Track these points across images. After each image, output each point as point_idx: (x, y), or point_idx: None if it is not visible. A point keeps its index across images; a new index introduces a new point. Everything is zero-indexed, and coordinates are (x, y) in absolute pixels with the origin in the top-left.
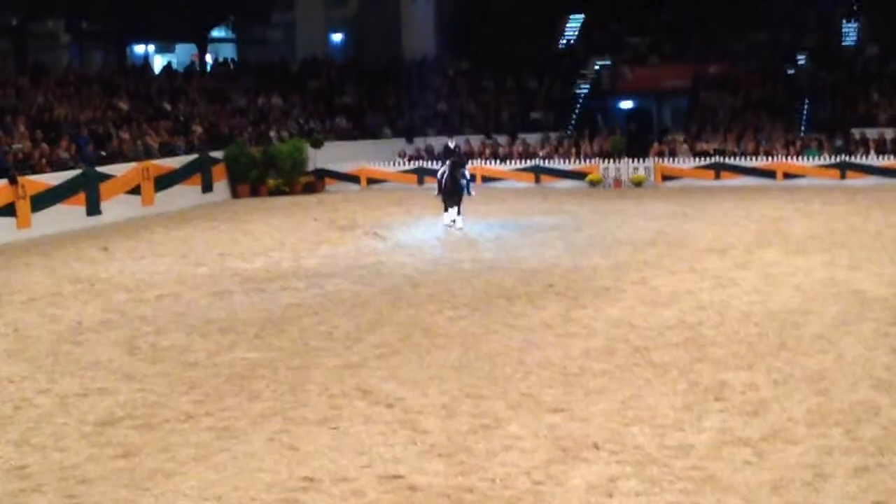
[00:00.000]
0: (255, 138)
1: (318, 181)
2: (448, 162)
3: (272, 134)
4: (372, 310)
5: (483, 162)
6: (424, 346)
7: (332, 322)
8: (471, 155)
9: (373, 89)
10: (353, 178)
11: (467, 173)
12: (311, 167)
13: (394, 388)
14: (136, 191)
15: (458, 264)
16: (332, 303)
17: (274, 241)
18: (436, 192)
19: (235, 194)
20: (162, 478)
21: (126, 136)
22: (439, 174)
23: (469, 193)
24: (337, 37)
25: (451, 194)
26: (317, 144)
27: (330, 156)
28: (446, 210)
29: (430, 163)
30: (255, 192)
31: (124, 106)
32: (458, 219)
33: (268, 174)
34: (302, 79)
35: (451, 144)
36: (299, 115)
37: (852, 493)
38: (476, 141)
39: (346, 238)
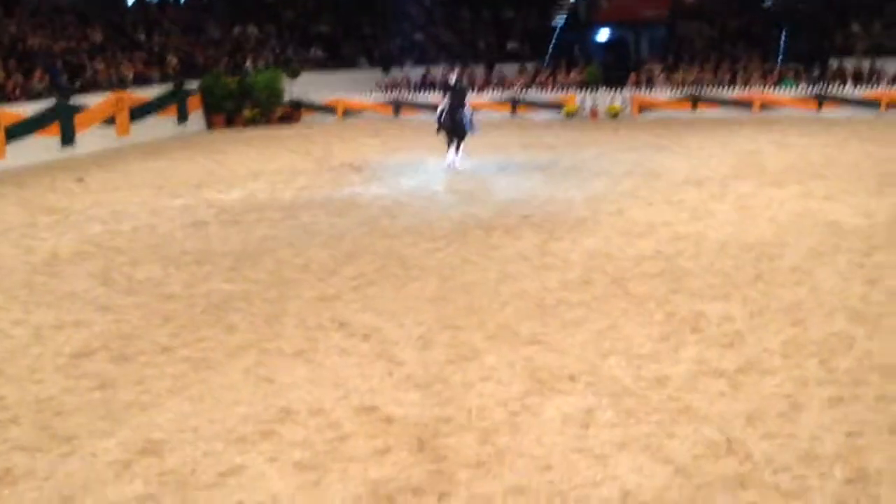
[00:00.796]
0: (231, 69)
1: (294, 112)
2: (447, 97)
3: (248, 64)
4: (348, 241)
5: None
6: (401, 277)
7: (308, 254)
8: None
9: (349, 19)
10: (329, 109)
11: (468, 109)
12: (287, 98)
13: (370, 319)
14: (110, 121)
15: (435, 196)
16: (307, 234)
17: (249, 172)
18: (436, 129)
19: (211, 125)
20: (138, 410)
21: (100, 66)
22: (438, 110)
23: (473, 131)
24: None
25: (451, 132)
26: (293, 74)
27: (306, 86)
28: (448, 148)
29: (407, 93)
30: (230, 123)
31: (98, 36)
32: (457, 158)
33: (243, 105)
34: (277, 8)
35: (452, 79)
36: (275, 45)
37: (826, 423)
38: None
39: (322, 169)
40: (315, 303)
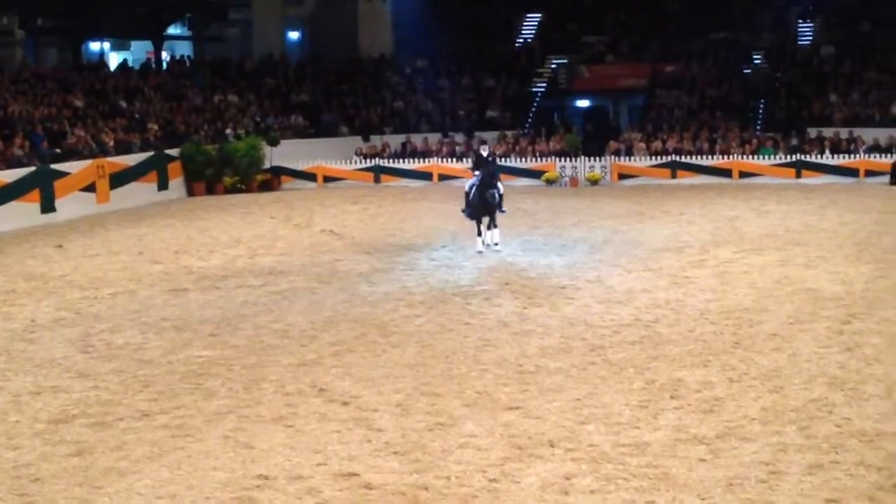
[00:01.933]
0: (212, 136)
1: (274, 179)
2: (479, 173)
3: (228, 132)
4: (327, 308)
5: (440, 160)
6: (380, 344)
7: (288, 320)
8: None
9: (329, 87)
10: (309, 176)
11: (500, 187)
12: (267, 165)
13: (349, 385)
14: (90, 188)
15: (415, 262)
16: (287, 301)
17: (230, 238)
18: (463, 208)
19: (191, 192)
20: (116, 476)
21: (81, 133)
22: (468, 186)
23: (501, 210)
24: (294, 35)
25: (479, 211)
26: (273, 142)
27: (286, 154)
28: (479, 234)
29: (387, 161)
30: (211, 190)
31: (79, 103)
32: (494, 236)
33: (224, 172)
34: (258, 76)
35: (485, 152)
36: (256, 112)
37: (806, 490)
38: (433, 139)
39: (302, 236)
40: (294, 369)
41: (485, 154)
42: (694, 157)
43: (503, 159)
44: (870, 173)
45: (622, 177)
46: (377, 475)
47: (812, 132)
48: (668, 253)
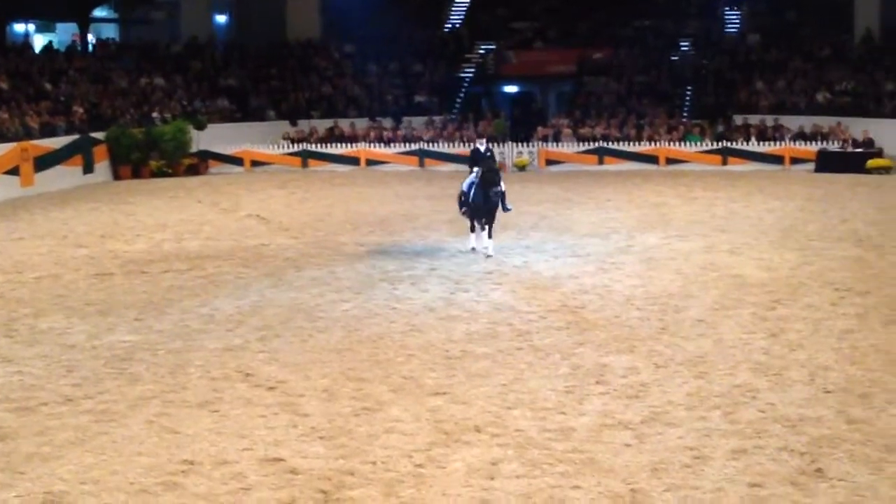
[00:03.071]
0: (138, 119)
1: (201, 163)
2: (478, 170)
3: (155, 115)
4: (254, 292)
5: (368, 145)
6: (306, 329)
7: (214, 305)
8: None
9: (257, 71)
10: (236, 161)
11: (503, 185)
12: (194, 149)
13: (275, 370)
14: (14, 171)
15: (341, 247)
16: (213, 285)
17: (156, 223)
18: (460, 208)
19: (117, 176)
20: (39, 461)
21: (5, 115)
22: (465, 185)
23: (506, 209)
24: (221, 18)
25: (481, 212)
26: (200, 126)
27: (213, 138)
28: (472, 230)
29: (315, 145)
30: (137, 174)
31: (4, 85)
32: (489, 244)
33: (150, 156)
34: (185, 60)
35: (482, 147)
36: (182, 96)
37: (730, 474)
38: (361, 124)
39: (229, 220)
40: (220, 353)
41: (482, 149)
42: (621, 143)
43: (430, 144)
44: (795, 160)
45: (550, 163)
46: (303, 460)
47: (738, 119)
48: (594, 239)
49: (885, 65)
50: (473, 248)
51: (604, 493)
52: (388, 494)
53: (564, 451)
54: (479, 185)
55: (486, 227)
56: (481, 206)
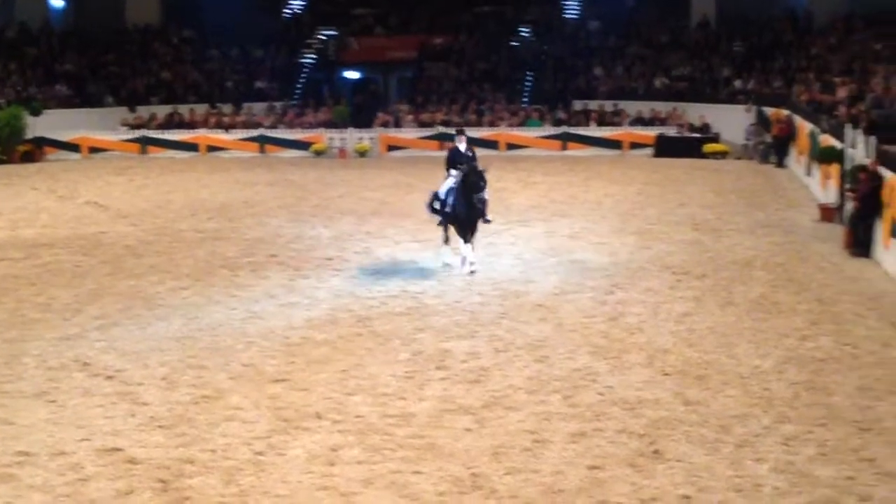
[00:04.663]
0: None
1: (37, 150)
2: (459, 174)
3: None
4: (92, 280)
5: (208, 131)
6: (145, 317)
7: (51, 293)
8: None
9: (95, 57)
10: (73, 147)
11: (486, 192)
12: (29, 135)
13: (113, 359)
14: None
15: (180, 234)
16: (50, 273)
17: None
18: (430, 213)
19: None
20: None
21: None
22: (442, 191)
23: (486, 220)
24: (58, 3)
25: (464, 223)
26: (35, 112)
27: (50, 124)
28: (446, 242)
29: (154, 132)
30: None
31: None
32: (473, 255)
33: None
34: (20, 45)
35: (462, 146)
36: (17, 82)
37: (569, 457)
38: (201, 110)
39: (66, 208)
40: (57, 343)
41: (462, 148)
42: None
43: (271, 131)
44: (634, 145)
45: (391, 148)
46: (142, 449)
47: (578, 105)
48: (435, 224)
49: (720, 51)
50: (446, 264)
51: (445, 478)
52: (227, 482)
53: (405, 437)
54: (459, 191)
55: (469, 237)
56: (464, 217)
